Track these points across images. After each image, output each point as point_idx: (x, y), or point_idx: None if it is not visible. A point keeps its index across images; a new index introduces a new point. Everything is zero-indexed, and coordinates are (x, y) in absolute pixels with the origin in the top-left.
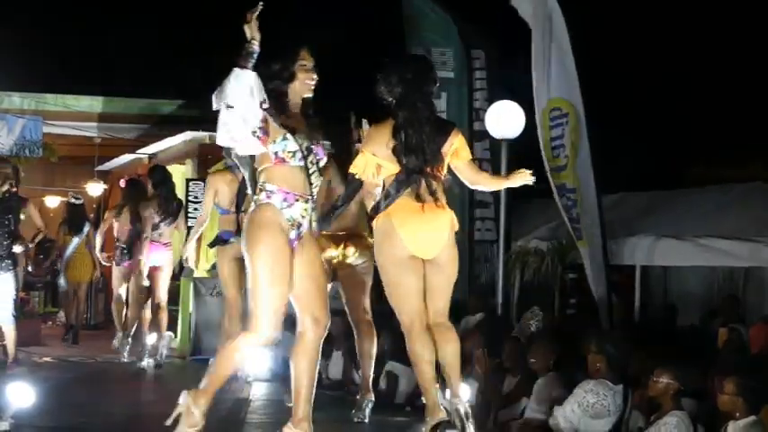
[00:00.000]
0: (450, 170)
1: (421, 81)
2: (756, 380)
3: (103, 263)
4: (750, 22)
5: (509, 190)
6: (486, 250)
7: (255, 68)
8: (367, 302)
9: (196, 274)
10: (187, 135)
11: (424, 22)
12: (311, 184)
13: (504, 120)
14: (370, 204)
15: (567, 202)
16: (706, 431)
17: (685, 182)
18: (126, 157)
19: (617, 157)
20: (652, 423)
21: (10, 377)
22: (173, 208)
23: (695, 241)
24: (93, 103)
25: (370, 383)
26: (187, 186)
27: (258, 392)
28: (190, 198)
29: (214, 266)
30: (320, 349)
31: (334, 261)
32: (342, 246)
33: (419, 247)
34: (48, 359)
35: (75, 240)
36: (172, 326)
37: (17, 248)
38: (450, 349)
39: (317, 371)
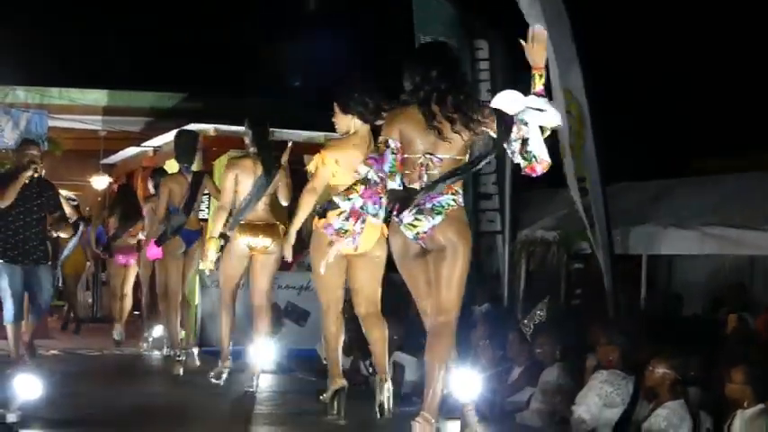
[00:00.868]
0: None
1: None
2: (765, 369)
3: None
4: (756, 11)
5: (513, 181)
6: (490, 241)
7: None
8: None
9: (200, 266)
10: (192, 128)
11: (428, 12)
12: None
13: (508, 110)
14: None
15: (576, 190)
16: (713, 420)
17: (689, 172)
18: (131, 150)
19: (620, 148)
20: (651, 413)
21: (20, 370)
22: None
23: (701, 230)
24: (97, 97)
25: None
26: None
27: (264, 385)
28: None
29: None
30: None
31: (252, 249)
32: (258, 234)
33: (361, 246)
34: (54, 352)
35: (74, 241)
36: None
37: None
38: (376, 335)
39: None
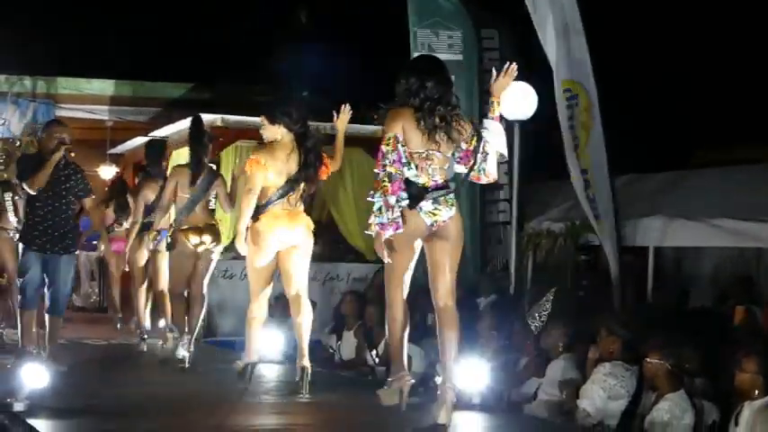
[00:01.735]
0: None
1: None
2: None
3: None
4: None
5: (522, 171)
6: (499, 232)
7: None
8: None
9: None
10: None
11: (430, 6)
12: None
13: (516, 101)
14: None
15: (581, 183)
16: (720, 411)
17: (693, 164)
18: (138, 140)
19: (626, 139)
20: (653, 406)
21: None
22: None
23: (708, 222)
24: (104, 86)
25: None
26: None
27: (271, 374)
28: None
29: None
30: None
31: (198, 248)
32: (200, 235)
33: (279, 242)
34: (61, 341)
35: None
36: None
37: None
38: (299, 320)
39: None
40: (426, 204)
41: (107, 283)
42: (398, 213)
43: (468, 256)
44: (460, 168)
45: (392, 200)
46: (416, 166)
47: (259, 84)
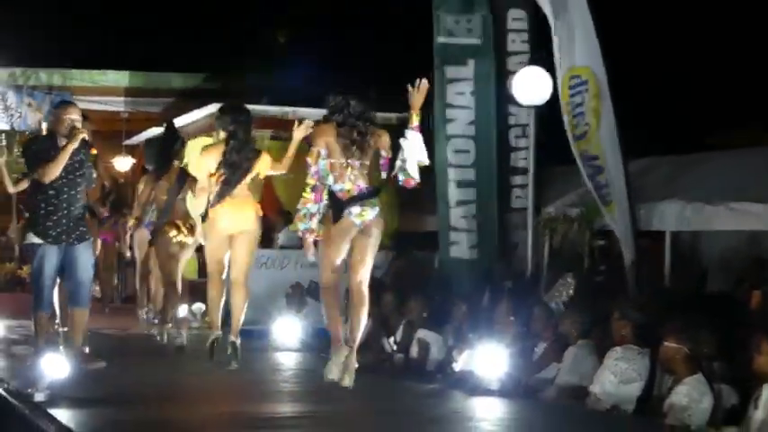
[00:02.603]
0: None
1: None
2: None
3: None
4: None
5: (537, 157)
6: (518, 218)
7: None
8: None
9: None
10: (213, 108)
11: None
12: None
13: (531, 86)
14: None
15: (589, 170)
16: (739, 394)
17: (706, 147)
18: (153, 131)
19: (638, 123)
20: (670, 391)
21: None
22: None
23: (726, 205)
24: (119, 78)
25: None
26: None
27: (289, 362)
28: None
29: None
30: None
31: (177, 240)
32: (178, 229)
33: (230, 227)
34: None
35: None
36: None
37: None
38: (237, 301)
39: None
40: (355, 209)
41: (127, 275)
42: (316, 222)
43: (493, 244)
44: (383, 174)
45: (313, 208)
46: (338, 175)
47: (272, 74)
